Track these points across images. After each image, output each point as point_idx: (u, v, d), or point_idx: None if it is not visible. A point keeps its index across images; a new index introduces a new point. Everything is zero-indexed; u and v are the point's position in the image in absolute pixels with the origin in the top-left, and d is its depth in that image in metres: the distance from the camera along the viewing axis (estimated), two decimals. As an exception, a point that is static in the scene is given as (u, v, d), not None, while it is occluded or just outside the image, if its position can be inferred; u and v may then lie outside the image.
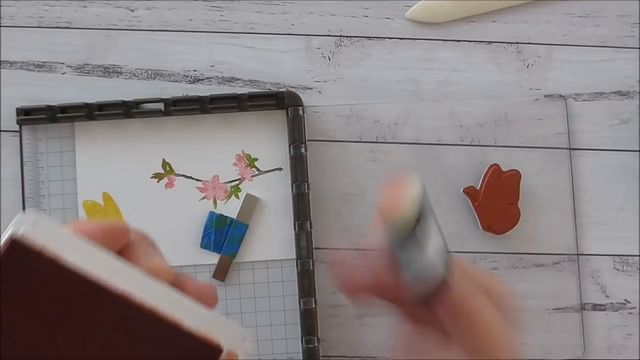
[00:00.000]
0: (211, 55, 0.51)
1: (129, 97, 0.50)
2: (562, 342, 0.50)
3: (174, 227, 0.50)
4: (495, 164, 0.50)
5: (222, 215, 0.50)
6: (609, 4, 0.52)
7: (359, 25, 0.52)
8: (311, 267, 0.48)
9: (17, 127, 0.50)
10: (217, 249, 0.50)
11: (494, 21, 0.52)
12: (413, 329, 0.28)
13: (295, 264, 0.49)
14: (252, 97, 0.49)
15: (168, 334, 0.22)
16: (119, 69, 0.51)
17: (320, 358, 0.48)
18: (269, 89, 0.51)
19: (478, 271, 0.26)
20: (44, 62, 0.51)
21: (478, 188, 0.50)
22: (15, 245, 0.20)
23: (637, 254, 0.51)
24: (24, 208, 0.49)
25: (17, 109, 0.49)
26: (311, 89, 0.51)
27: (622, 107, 0.52)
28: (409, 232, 0.23)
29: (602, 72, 0.52)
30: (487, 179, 0.50)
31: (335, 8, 0.52)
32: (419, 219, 0.23)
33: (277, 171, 0.50)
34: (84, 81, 0.51)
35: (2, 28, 0.51)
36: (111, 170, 0.50)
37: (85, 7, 0.51)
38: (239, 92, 0.49)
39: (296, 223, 0.49)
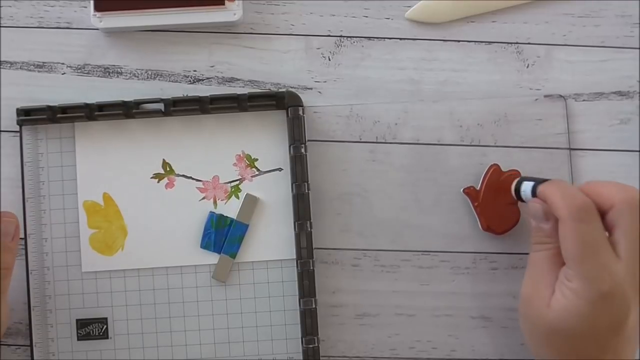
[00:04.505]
0: (211, 55, 0.51)
1: (129, 97, 0.50)
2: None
3: (174, 228, 0.50)
4: (495, 164, 0.50)
5: (222, 216, 0.50)
6: (609, 4, 0.52)
7: (359, 25, 0.52)
8: (311, 267, 0.48)
9: (17, 128, 0.50)
10: (217, 249, 0.50)
11: (494, 21, 0.52)
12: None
13: (295, 264, 0.49)
14: (252, 97, 0.49)
15: None
16: (119, 69, 0.51)
17: (321, 358, 0.48)
18: (269, 89, 0.51)
19: None
20: (44, 62, 0.51)
21: (478, 188, 0.50)
22: None
23: (637, 254, 0.51)
24: (24, 208, 0.49)
25: (18, 109, 0.49)
26: (311, 89, 0.51)
27: (622, 107, 0.52)
28: None
29: (602, 72, 0.52)
30: (487, 179, 0.50)
31: (335, 8, 0.52)
32: None
33: (277, 171, 0.50)
34: (84, 81, 0.51)
35: (2, 28, 0.51)
36: (111, 170, 0.50)
37: (85, 7, 0.51)
38: (239, 93, 0.50)
39: (296, 223, 0.49)
